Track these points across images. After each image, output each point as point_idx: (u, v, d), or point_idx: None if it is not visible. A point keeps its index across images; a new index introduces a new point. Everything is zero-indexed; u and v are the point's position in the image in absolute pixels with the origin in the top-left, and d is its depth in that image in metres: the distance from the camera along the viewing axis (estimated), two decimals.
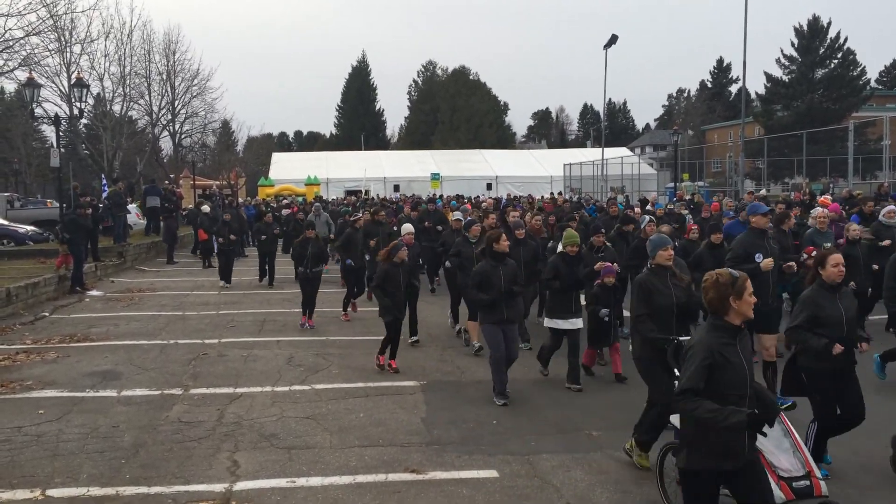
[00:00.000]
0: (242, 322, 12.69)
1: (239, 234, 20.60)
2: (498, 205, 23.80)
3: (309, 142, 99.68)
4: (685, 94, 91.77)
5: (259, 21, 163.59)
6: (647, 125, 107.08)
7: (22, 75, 21.05)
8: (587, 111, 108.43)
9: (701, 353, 3.91)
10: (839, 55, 53.00)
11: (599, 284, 8.72)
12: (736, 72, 79.27)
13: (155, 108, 38.91)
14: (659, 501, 5.48)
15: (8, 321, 12.71)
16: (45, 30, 22.56)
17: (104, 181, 30.65)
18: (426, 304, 12.65)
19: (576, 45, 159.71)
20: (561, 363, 9.25)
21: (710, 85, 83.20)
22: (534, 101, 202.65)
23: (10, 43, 20.46)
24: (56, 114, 25.25)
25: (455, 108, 78.85)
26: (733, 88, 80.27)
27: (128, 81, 35.16)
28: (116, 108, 35.40)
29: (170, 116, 39.98)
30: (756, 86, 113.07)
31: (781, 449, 4.71)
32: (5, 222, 24.39)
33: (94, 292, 16.09)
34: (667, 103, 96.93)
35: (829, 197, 16.37)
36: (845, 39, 52.90)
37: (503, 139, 79.03)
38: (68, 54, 30.82)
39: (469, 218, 12.08)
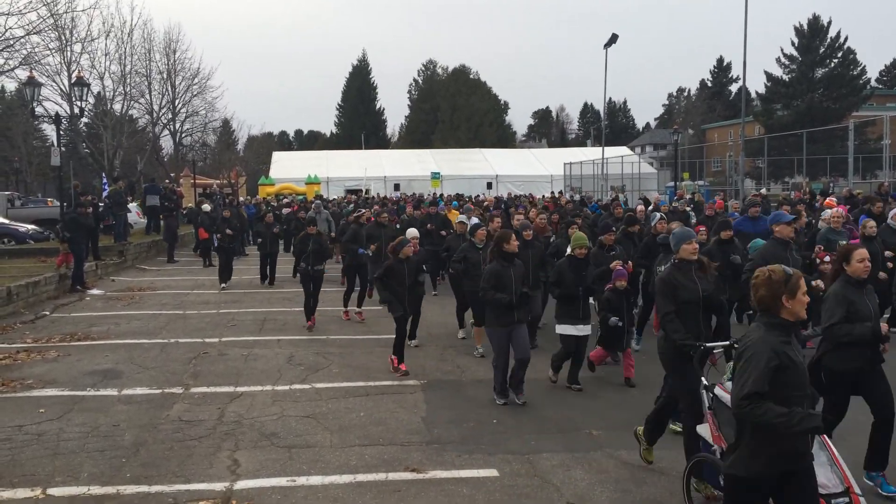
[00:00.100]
0: (243, 321, 12.69)
1: (239, 233, 20.52)
2: (499, 204, 23.77)
3: (309, 141, 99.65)
4: (685, 94, 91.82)
5: (259, 20, 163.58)
6: (648, 124, 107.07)
7: (22, 74, 21.07)
8: (587, 110, 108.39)
9: (765, 354, 3.69)
10: (839, 54, 53.00)
11: (611, 289, 8.59)
12: (736, 71, 79.38)
13: (155, 107, 38.99)
14: (659, 501, 5.50)
15: (8, 320, 12.72)
16: (46, 28, 22.63)
17: (105, 180, 30.66)
18: (426, 304, 12.63)
19: (576, 45, 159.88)
20: (564, 364, 9.25)
21: (710, 84, 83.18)
22: (534, 100, 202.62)
23: (11, 42, 20.52)
24: (57, 113, 25.33)
25: (455, 108, 78.80)
26: (733, 88, 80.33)
27: (128, 80, 35.24)
28: (117, 106, 35.46)
29: (170, 115, 40.04)
30: (756, 85, 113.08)
31: (818, 463, 4.41)
32: (6, 221, 24.38)
33: (94, 291, 16.10)
34: (667, 102, 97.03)
35: (833, 198, 16.05)
36: (845, 39, 52.96)
37: (503, 138, 78.96)
38: (69, 53, 30.90)
39: (474, 221, 11.95)
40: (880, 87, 70.02)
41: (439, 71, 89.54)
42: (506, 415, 7.46)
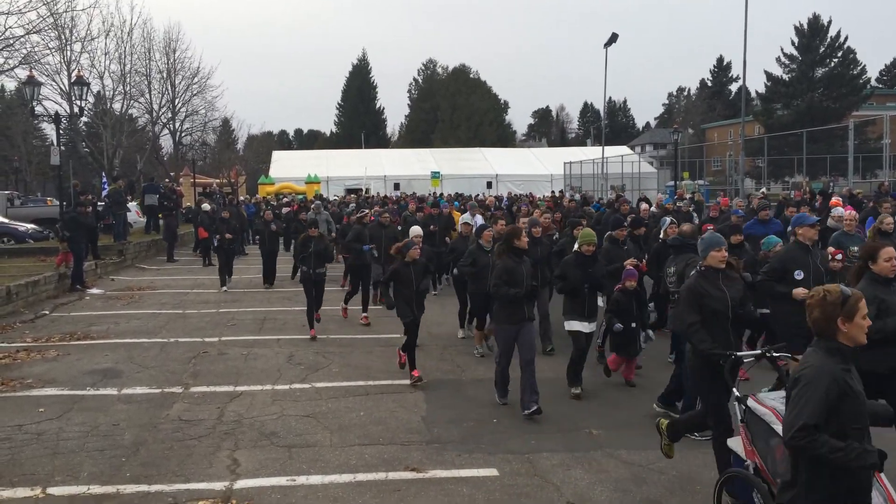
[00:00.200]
0: (242, 320, 12.69)
1: (239, 233, 20.45)
2: (499, 203, 23.71)
3: (309, 140, 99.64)
4: (685, 93, 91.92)
5: (259, 19, 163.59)
6: (648, 124, 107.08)
7: (22, 73, 21.06)
8: (587, 110, 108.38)
9: (823, 382, 3.39)
10: (839, 54, 53.02)
11: (620, 289, 8.47)
12: (736, 70, 79.42)
13: (155, 107, 38.96)
14: (659, 501, 5.49)
15: (8, 319, 12.72)
16: (46, 28, 22.61)
17: (104, 179, 30.66)
18: (426, 303, 12.63)
19: (576, 44, 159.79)
20: (560, 362, 9.25)
21: (710, 83, 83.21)
22: (534, 99, 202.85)
23: (11, 41, 20.51)
24: (56, 112, 25.36)
25: (455, 107, 78.78)
26: (733, 87, 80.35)
27: (128, 79, 35.20)
28: (117, 106, 35.42)
29: (170, 114, 40.01)
30: (756, 84, 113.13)
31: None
32: (6, 220, 24.38)
33: (94, 290, 16.10)
34: (667, 102, 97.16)
35: (839, 198, 15.64)
36: (845, 38, 52.98)
37: (503, 138, 78.94)
38: (68, 52, 30.85)
39: (478, 220, 11.85)
40: (880, 86, 70.02)
41: (439, 70, 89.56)
42: (506, 414, 7.46)
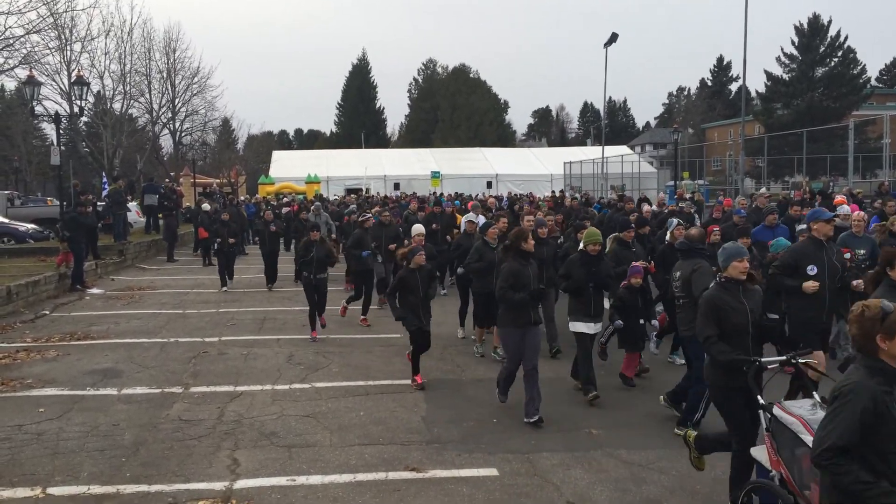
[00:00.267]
0: (242, 320, 12.69)
1: (239, 233, 20.38)
2: (500, 204, 23.67)
3: (309, 140, 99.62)
4: (685, 93, 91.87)
5: (259, 19, 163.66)
6: (648, 123, 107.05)
7: (22, 73, 21.07)
8: (587, 109, 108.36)
9: (861, 402, 3.23)
10: (839, 53, 52.98)
11: (626, 286, 8.43)
12: (736, 70, 79.37)
13: (155, 106, 38.96)
14: (659, 500, 5.49)
15: (8, 319, 12.72)
16: (46, 28, 22.63)
17: (105, 179, 30.66)
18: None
19: (576, 44, 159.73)
20: (562, 363, 9.28)
21: (710, 83, 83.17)
22: (534, 99, 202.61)
23: (11, 41, 20.52)
24: (56, 112, 25.35)
25: (455, 107, 78.80)
26: (733, 87, 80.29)
27: (128, 79, 35.20)
28: (117, 105, 35.42)
29: (170, 114, 40.01)
30: (756, 84, 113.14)
31: None
32: (6, 220, 24.38)
33: (94, 290, 16.10)
34: (667, 101, 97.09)
35: (844, 196, 15.36)
36: (845, 38, 52.92)
37: (503, 137, 78.96)
38: (68, 52, 30.86)
39: (481, 219, 11.74)
40: (880, 86, 69.98)
41: (439, 70, 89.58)
42: (506, 414, 7.46)
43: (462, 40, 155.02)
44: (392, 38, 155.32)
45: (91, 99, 31.18)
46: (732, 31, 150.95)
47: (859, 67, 53.55)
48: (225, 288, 16.14)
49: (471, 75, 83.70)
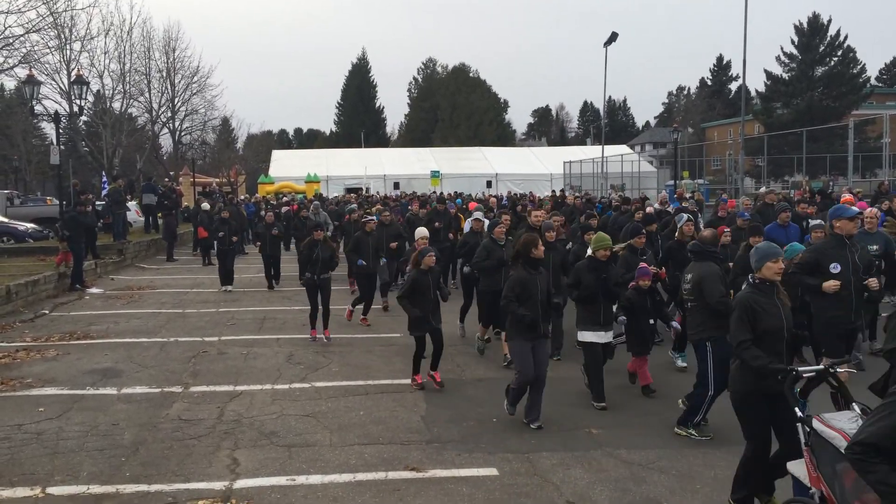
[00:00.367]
0: (242, 320, 12.69)
1: (238, 233, 20.34)
2: (500, 203, 23.60)
3: (309, 139, 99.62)
4: (685, 92, 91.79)
5: (259, 18, 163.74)
6: (647, 123, 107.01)
7: (22, 72, 21.10)
8: (587, 109, 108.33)
9: None
10: (839, 53, 52.94)
11: (634, 287, 8.20)
12: (736, 69, 79.33)
13: (155, 106, 38.94)
14: (659, 500, 5.49)
15: (8, 319, 12.71)
16: (45, 27, 22.67)
17: (104, 178, 30.65)
18: None
19: (576, 43, 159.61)
20: (563, 363, 9.26)
21: (709, 82, 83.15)
22: (534, 98, 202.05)
23: (10, 40, 20.51)
24: (56, 111, 25.40)
25: (455, 106, 78.82)
26: (733, 86, 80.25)
27: (127, 79, 35.17)
28: (116, 105, 35.41)
29: (169, 114, 39.98)
30: (756, 83, 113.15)
31: None
32: (5, 220, 24.38)
33: (93, 290, 16.10)
34: (667, 101, 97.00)
35: (849, 195, 14.91)
36: (845, 37, 52.87)
37: (503, 137, 78.98)
38: (68, 51, 30.82)
39: (481, 217, 11.62)
40: (880, 85, 69.92)
41: (439, 69, 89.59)
42: (505, 414, 7.43)
43: (462, 40, 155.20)
44: (392, 38, 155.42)
45: (90, 98, 31.14)
46: (732, 30, 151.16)
47: (859, 67, 53.53)
48: (226, 288, 16.05)
49: (470, 75, 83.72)
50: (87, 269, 17.30)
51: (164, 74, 38.80)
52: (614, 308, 8.16)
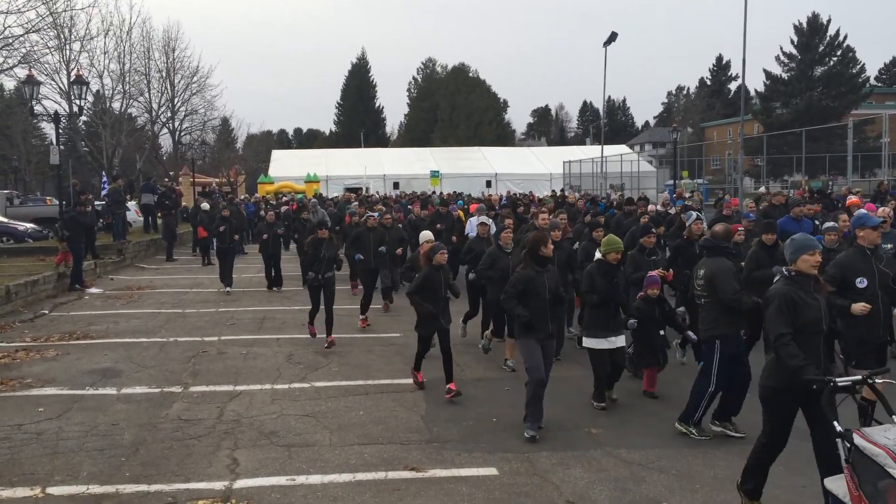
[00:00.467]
0: (242, 320, 12.68)
1: (238, 232, 20.30)
2: (500, 202, 23.58)
3: (308, 139, 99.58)
4: (684, 92, 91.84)
5: (259, 19, 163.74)
6: (647, 122, 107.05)
7: (21, 72, 21.12)
8: (587, 108, 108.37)
9: None
10: (838, 53, 52.98)
11: (643, 297, 7.97)
12: (735, 69, 79.33)
13: (154, 106, 38.95)
14: (658, 499, 5.49)
15: (7, 319, 12.71)
16: (45, 27, 22.72)
17: (104, 178, 30.65)
18: None
19: (575, 43, 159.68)
20: (563, 364, 9.24)
21: (709, 82, 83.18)
22: (533, 98, 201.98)
23: (10, 40, 20.52)
24: (56, 111, 25.46)
25: (455, 106, 78.82)
26: (732, 86, 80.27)
27: (127, 79, 35.19)
28: (116, 105, 35.41)
29: (169, 114, 39.99)
30: (755, 83, 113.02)
31: None
32: (5, 220, 24.37)
33: (93, 290, 16.09)
34: (666, 101, 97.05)
35: (856, 197, 14.67)
36: (845, 37, 52.92)
37: (503, 137, 78.97)
38: (68, 52, 30.84)
39: (487, 221, 11.34)
40: (879, 85, 69.99)
41: (439, 69, 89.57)
42: (505, 414, 7.45)
43: (461, 40, 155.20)
44: (391, 38, 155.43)
45: (90, 98, 31.04)
46: (732, 30, 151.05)
47: (858, 66, 53.57)
48: (226, 289, 15.86)
49: (470, 74, 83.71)
50: (87, 269, 17.29)
51: (164, 74, 38.84)
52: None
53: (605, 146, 40.72)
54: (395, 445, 6.57)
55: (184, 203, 31.24)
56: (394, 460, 6.21)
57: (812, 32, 53.30)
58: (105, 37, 33.00)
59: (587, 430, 6.99)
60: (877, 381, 4.46)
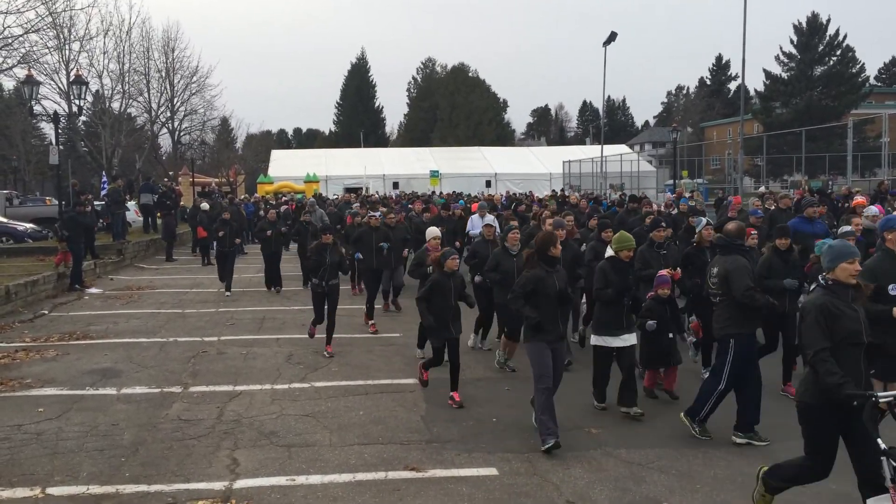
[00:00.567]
0: (242, 320, 12.68)
1: (239, 234, 20.24)
2: (503, 201, 23.51)
3: (308, 139, 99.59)
4: (684, 92, 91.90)
5: (258, 19, 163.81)
6: (647, 122, 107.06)
7: (21, 72, 21.12)
8: (586, 108, 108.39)
9: None
10: (838, 52, 52.98)
11: (653, 297, 7.88)
12: (735, 69, 79.34)
13: (154, 106, 38.98)
14: (658, 499, 5.49)
15: (7, 319, 12.70)
16: (44, 27, 22.72)
17: (104, 178, 30.65)
18: None
19: (575, 43, 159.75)
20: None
21: (709, 82, 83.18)
22: (533, 98, 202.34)
23: (9, 40, 20.51)
24: (55, 111, 25.45)
25: (454, 106, 78.82)
26: (732, 86, 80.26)
27: (127, 79, 35.22)
28: (115, 105, 35.44)
29: (169, 114, 40.04)
30: (755, 83, 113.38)
31: None
32: (4, 220, 24.35)
33: (93, 290, 16.08)
34: (666, 100, 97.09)
35: (862, 196, 14.44)
36: (844, 37, 52.92)
37: (502, 136, 79.01)
38: (67, 51, 30.83)
39: (489, 219, 11.09)
40: (879, 84, 70.05)
41: (438, 69, 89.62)
42: (505, 414, 7.45)
43: (461, 39, 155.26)
44: (391, 38, 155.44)
45: (90, 98, 31.02)
46: (731, 30, 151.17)
47: (858, 66, 53.57)
48: (226, 293, 15.57)
49: (470, 74, 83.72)
50: (87, 269, 17.28)
51: (164, 74, 38.87)
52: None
53: (604, 146, 40.76)
54: (395, 445, 6.57)
55: (183, 203, 31.23)
56: (394, 460, 6.21)
57: (812, 32, 53.30)
58: (104, 37, 33.09)
59: (587, 430, 6.99)
60: None
